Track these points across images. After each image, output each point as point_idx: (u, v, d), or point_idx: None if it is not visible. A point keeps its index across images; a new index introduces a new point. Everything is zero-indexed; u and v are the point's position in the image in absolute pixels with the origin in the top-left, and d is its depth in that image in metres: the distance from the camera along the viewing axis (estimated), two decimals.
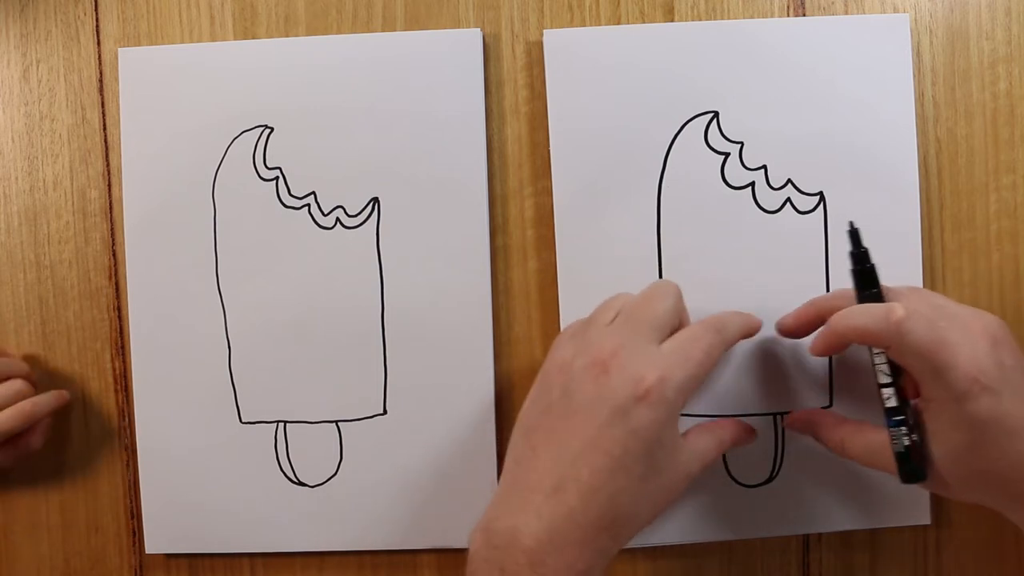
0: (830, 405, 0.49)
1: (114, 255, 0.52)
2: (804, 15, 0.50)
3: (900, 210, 0.49)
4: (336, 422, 0.50)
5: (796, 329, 0.46)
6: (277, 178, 0.50)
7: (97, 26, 0.52)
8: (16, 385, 0.49)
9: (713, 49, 0.49)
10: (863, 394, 0.49)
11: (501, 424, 0.50)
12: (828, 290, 0.49)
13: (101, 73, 0.52)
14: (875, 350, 0.42)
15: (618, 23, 0.50)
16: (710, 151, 0.49)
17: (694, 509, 0.49)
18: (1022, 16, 0.50)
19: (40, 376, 0.52)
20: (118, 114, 0.51)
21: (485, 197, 0.50)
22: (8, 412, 0.48)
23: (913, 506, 0.49)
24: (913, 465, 0.40)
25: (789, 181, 0.49)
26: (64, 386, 0.52)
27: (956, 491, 0.41)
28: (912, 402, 0.41)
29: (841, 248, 0.49)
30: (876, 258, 0.47)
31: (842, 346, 0.45)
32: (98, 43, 0.52)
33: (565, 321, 0.49)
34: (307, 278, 0.50)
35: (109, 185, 0.52)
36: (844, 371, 0.49)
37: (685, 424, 0.49)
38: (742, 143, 0.49)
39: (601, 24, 0.50)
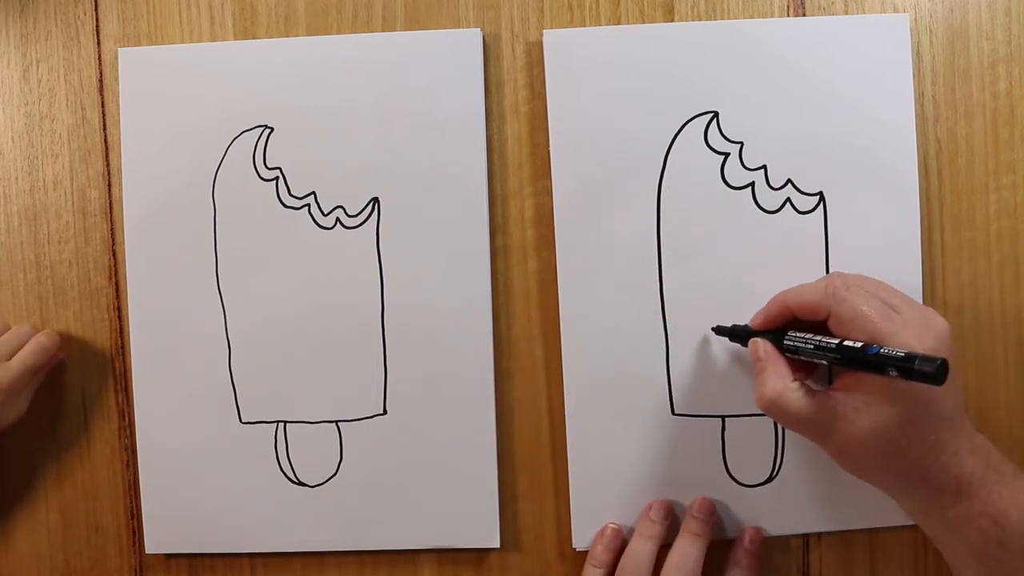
0: None
1: (114, 255, 0.52)
2: (804, 15, 0.50)
3: (900, 210, 0.49)
4: (336, 422, 0.50)
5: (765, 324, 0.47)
6: (277, 178, 0.50)
7: (97, 26, 0.52)
8: (24, 328, 0.50)
9: (713, 49, 0.49)
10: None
11: (501, 424, 0.50)
12: None
13: (101, 73, 0.52)
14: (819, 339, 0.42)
15: (618, 23, 0.50)
16: (710, 151, 0.49)
17: None
18: (1022, 16, 0.50)
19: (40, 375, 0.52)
20: (118, 114, 0.51)
21: (485, 197, 0.50)
22: (28, 348, 0.49)
23: None
24: (928, 356, 0.37)
25: (789, 181, 0.49)
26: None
27: (860, 466, 0.42)
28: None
29: (841, 248, 0.49)
30: (877, 258, 0.47)
31: (784, 318, 0.45)
32: (98, 43, 0.52)
33: (565, 321, 0.49)
34: (307, 278, 0.50)
35: (109, 185, 0.52)
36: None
37: (683, 423, 0.49)
38: (742, 143, 0.49)
39: (601, 24, 0.50)
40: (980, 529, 0.39)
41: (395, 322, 0.50)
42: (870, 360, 0.39)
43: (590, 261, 0.49)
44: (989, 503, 0.39)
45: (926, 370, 0.36)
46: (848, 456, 0.42)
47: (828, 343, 0.41)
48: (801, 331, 0.44)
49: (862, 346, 0.40)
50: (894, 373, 0.38)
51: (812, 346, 0.42)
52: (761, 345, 0.45)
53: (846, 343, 0.40)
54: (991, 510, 0.39)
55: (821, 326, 0.43)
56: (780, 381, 0.43)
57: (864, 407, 0.40)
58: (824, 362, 0.42)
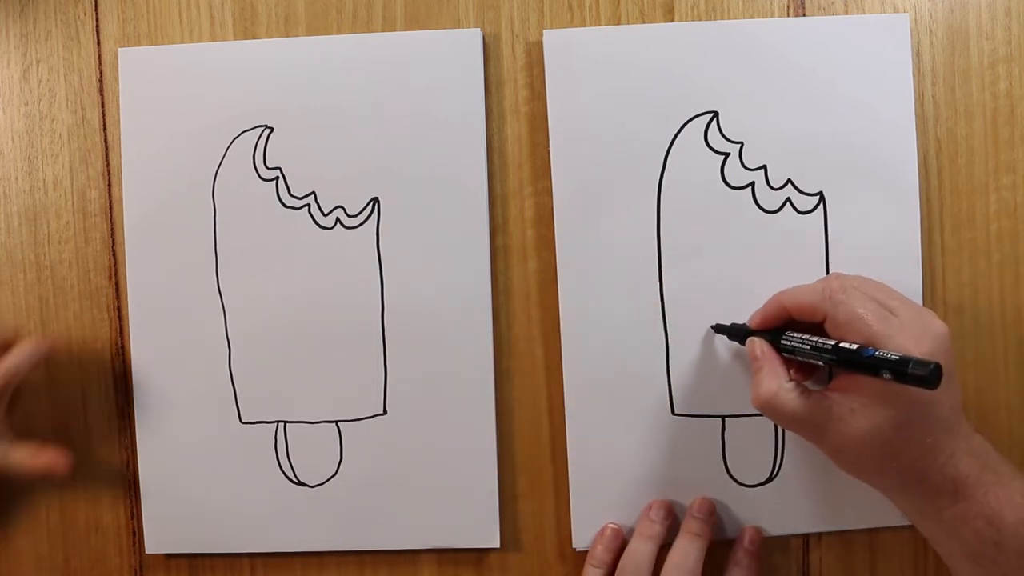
0: None
1: (114, 255, 0.52)
2: (804, 15, 0.50)
3: (900, 210, 0.49)
4: (336, 422, 0.50)
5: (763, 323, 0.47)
6: (277, 178, 0.50)
7: (97, 26, 0.52)
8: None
9: (713, 49, 0.49)
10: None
11: (501, 424, 0.50)
12: None
13: (101, 73, 0.52)
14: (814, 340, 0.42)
15: (618, 23, 0.50)
16: (710, 151, 0.49)
17: None
18: (1022, 16, 0.50)
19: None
20: (118, 114, 0.51)
21: (485, 197, 0.50)
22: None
23: None
24: (922, 360, 0.37)
25: (789, 181, 0.49)
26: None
27: (856, 467, 0.42)
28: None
29: (841, 248, 0.49)
30: (876, 258, 0.47)
31: (781, 319, 0.45)
32: (98, 43, 0.52)
33: (565, 321, 0.49)
34: (307, 278, 0.50)
35: (109, 185, 0.52)
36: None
37: (683, 423, 0.49)
38: (742, 143, 0.49)
39: (601, 24, 0.50)
40: (976, 530, 0.39)
41: (395, 322, 0.50)
42: (865, 362, 0.39)
43: (590, 261, 0.49)
44: (985, 504, 0.39)
45: (920, 374, 0.36)
46: (844, 456, 0.42)
47: (824, 344, 0.41)
48: (799, 331, 0.44)
49: (857, 348, 0.40)
50: (888, 376, 0.38)
51: (808, 347, 0.42)
52: (758, 345, 0.45)
53: (842, 344, 0.40)
54: (987, 511, 0.39)
55: (820, 326, 0.43)
56: (775, 381, 0.43)
57: (860, 408, 0.40)
58: (820, 363, 0.42)
